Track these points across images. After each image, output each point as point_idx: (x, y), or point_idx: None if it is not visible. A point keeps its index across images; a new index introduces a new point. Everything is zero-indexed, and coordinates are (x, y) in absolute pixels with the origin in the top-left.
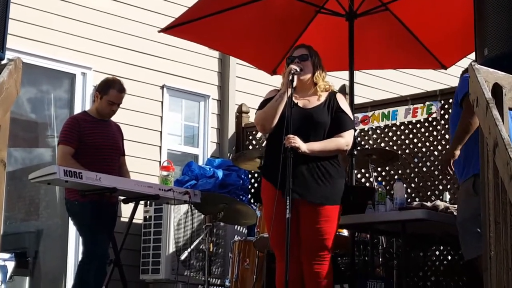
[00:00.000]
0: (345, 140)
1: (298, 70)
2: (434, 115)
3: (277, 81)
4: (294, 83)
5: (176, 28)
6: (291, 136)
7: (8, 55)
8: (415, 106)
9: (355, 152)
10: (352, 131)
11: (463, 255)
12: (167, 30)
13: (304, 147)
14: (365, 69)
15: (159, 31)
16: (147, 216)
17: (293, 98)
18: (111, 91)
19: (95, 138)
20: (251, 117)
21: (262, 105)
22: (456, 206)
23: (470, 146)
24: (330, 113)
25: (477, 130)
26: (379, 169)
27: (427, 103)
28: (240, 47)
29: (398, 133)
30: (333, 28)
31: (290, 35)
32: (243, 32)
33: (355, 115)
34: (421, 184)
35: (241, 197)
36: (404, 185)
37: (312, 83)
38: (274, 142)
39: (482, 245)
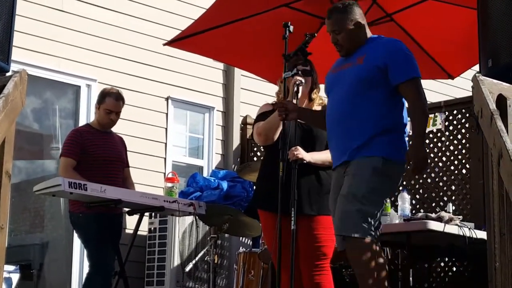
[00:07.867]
0: None
1: (303, 81)
2: (439, 127)
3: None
4: (299, 94)
5: (181, 41)
6: (294, 148)
7: (13, 67)
8: None
9: None
10: None
11: (339, 230)
12: (172, 43)
13: (308, 157)
14: None
15: (164, 44)
16: (152, 228)
17: None
18: (107, 99)
19: (98, 150)
20: None
21: (259, 119)
22: (460, 217)
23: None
24: None
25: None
26: None
27: (431, 115)
28: (244, 58)
29: None
30: None
31: (294, 45)
32: (247, 44)
33: None
34: (425, 195)
35: None
36: (409, 196)
37: (307, 98)
38: (273, 155)
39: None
